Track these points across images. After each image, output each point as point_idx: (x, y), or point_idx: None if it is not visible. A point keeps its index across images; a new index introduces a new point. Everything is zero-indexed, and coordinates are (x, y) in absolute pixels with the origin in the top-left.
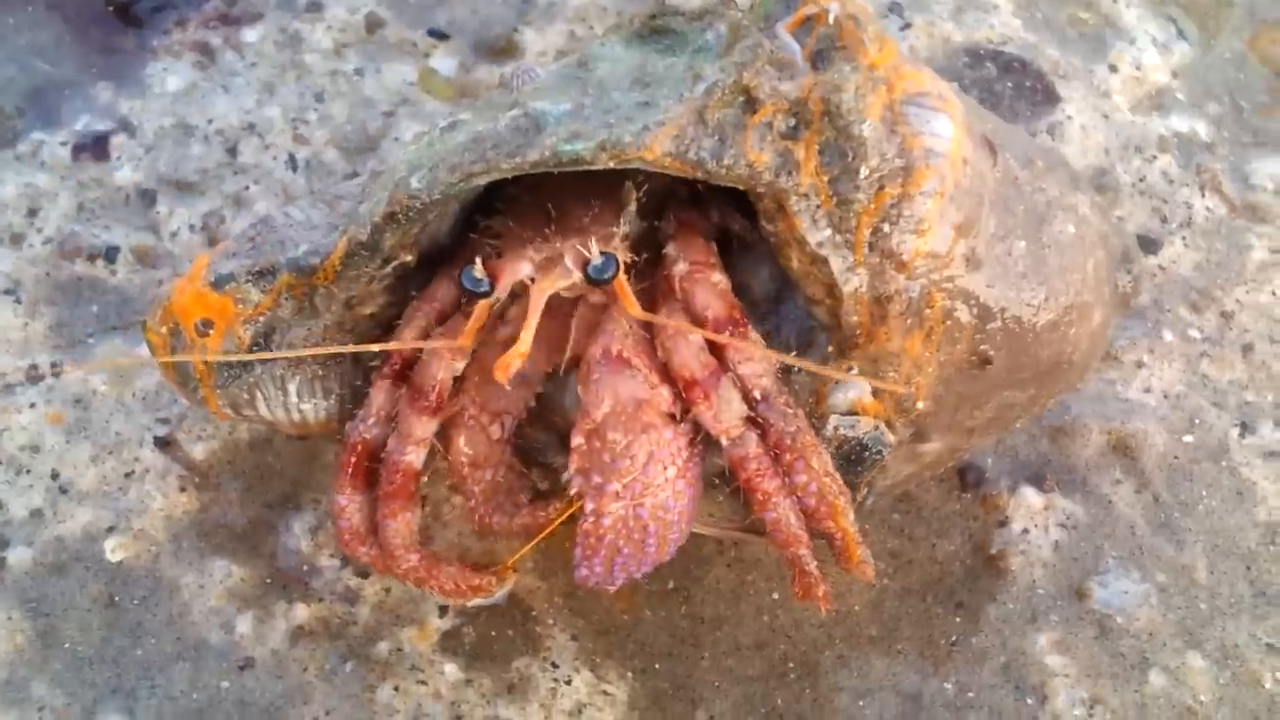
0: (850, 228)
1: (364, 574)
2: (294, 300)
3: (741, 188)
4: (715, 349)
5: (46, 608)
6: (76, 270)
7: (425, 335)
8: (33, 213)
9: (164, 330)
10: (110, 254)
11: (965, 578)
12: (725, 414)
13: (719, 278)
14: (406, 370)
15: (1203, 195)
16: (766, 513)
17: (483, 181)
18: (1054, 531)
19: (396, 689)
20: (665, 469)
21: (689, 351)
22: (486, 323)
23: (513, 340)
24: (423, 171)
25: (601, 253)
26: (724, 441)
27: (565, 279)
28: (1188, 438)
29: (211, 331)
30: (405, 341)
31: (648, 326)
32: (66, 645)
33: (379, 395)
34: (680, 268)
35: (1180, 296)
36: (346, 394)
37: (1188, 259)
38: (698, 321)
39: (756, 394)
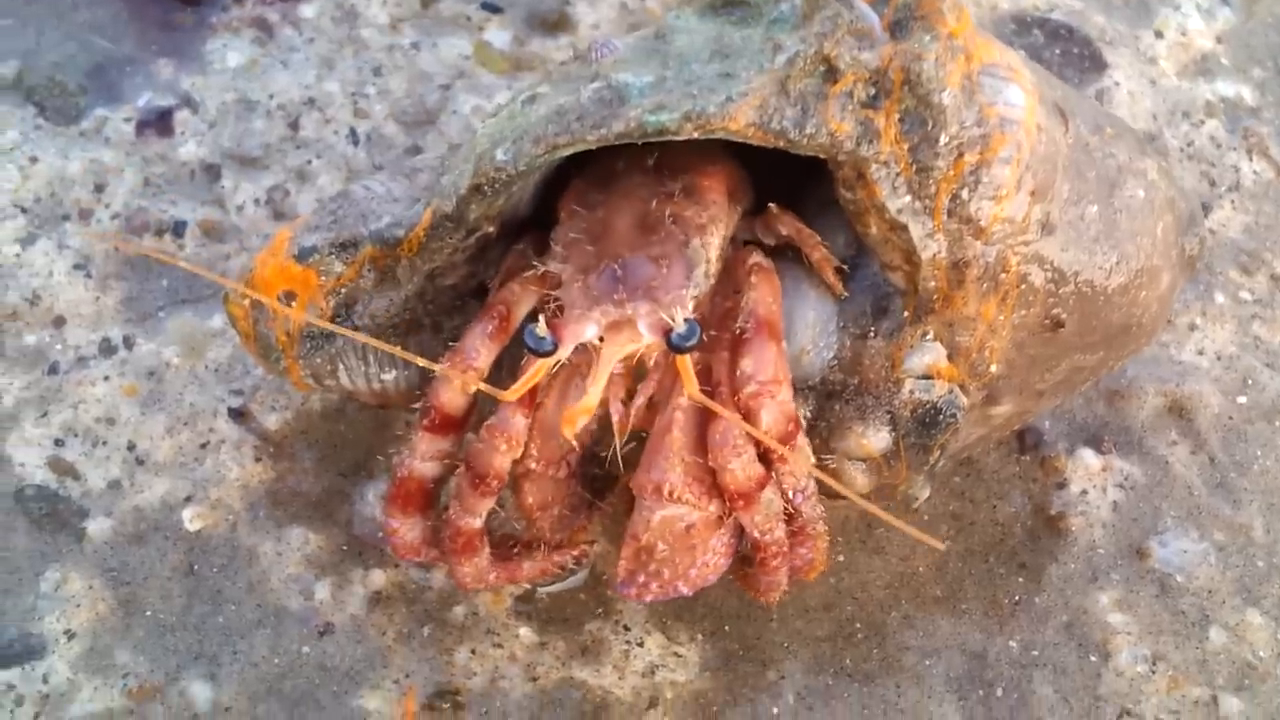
0: (930, 194)
1: None
2: (376, 272)
3: (822, 156)
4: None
5: (127, 576)
6: (145, 245)
7: (485, 350)
8: (99, 189)
9: (246, 303)
10: (178, 228)
11: (1026, 539)
12: (763, 517)
13: (784, 396)
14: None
15: (1250, 159)
16: (767, 575)
17: (566, 153)
18: (1112, 492)
19: (473, 652)
20: (707, 564)
21: (738, 464)
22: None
23: (568, 386)
24: (507, 144)
25: (685, 320)
26: (756, 534)
27: (635, 343)
28: (1241, 399)
29: (295, 303)
30: (451, 370)
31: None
32: (148, 613)
33: (422, 443)
34: (750, 389)
35: (1230, 259)
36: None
37: (1237, 222)
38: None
39: (793, 491)
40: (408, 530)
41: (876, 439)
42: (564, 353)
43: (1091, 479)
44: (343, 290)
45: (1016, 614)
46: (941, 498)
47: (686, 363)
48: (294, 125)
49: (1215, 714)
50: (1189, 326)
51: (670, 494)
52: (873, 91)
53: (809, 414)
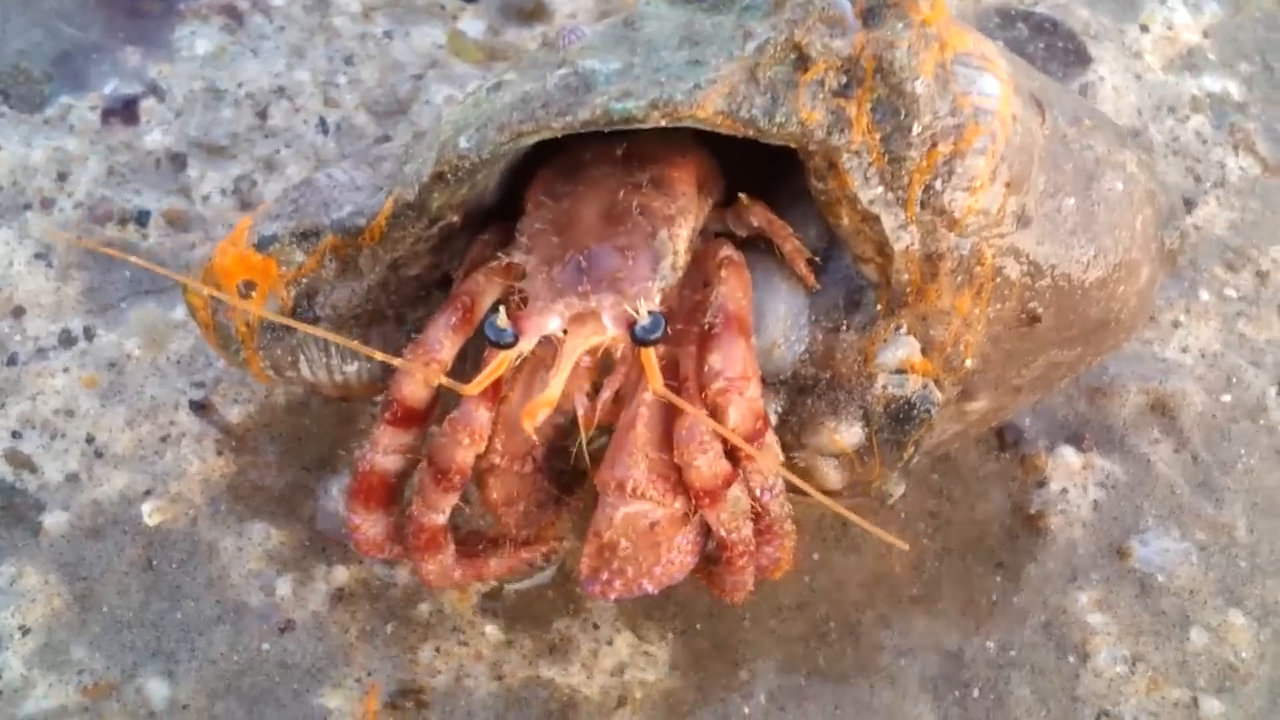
0: (902, 185)
1: None
2: (338, 261)
3: (793, 145)
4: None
5: (84, 571)
6: (108, 234)
7: (448, 342)
8: (62, 177)
9: (205, 292)
10: (142, 218)
11: (1005, 538)
12: (729, 515)
13: (753, 393)
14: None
15: (1236, 154)
16: (732, 574)
17: (531, 141)
18: (1093, 491)
19: (438, 650)
20: (673, 562)
21: (704, 461)
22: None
23: (532, 379)
24: (471, 131)
25: (650, 313)
26: (722, 533)
27: (599, 336)
28: (1225, 397)
29: (254, 293)
30: (413, 363)
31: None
32: (105, 609)
33: (384, 437)
34: (718, 385)
35: (1216, 256)
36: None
37: (1222, 218)
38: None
39: (760, 489)
40: (370, 526)
41: (849, 434)
42: (526, 345)
43: (1072, 477)
44: (304, 280)
45: (994, 614)
46: (919, 495)
47: (651, 356)
48: (262, 114)
49: (1195, 716)
50: (1173, 324)
51: (634, 491)
52: (844, 80)
53: (780, 408)
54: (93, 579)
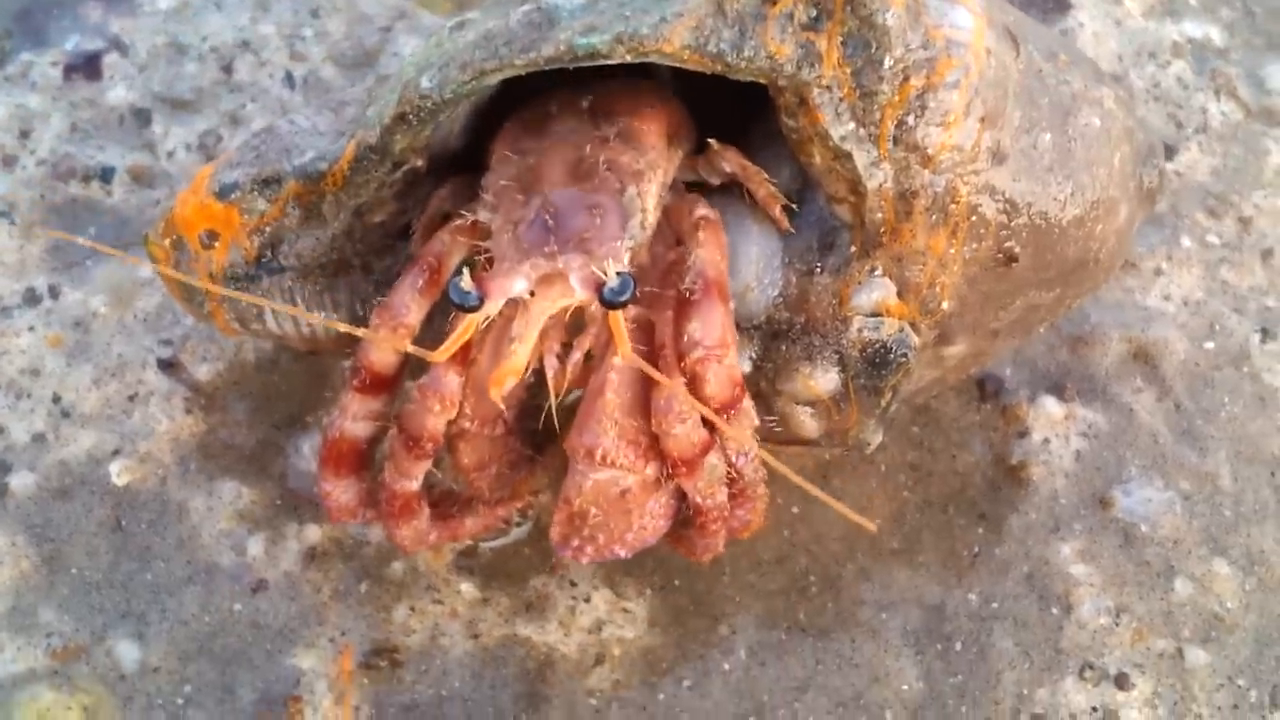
0: (874, 121)
1: None
2: (301, 209)
3: (762, 81)
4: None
5: (51, 533)
6: (72, 191)
7: (415, 306)
8: (25, 134)
9: (166, 243)
10: (106, 174)
11: (986, 489)
12: (705, 483)
13: (731, 360)
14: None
15: (1218, 100)
16: (705, 538)
17: (495, 80)
18: (1075, 441)
19: (412, 609)
20: (645, 527)
21: (682, 430)
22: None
23: (501, 341)
24: (432, 71)
25: (619, 274)
26: (698, 499)
27: (567, 298)
28: (1208, 344)
29: (217, 243)
30: (379, 333)
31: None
32: (74, 570)
33: (352, 404)
34: (697, 354)
35: (1198, 202)
36: (357, 305)
37: (1204, 164)
38: (698, 393)
39: (735, 454)
40: (342, 493)
41: (824, 380)
42: (492, 308)
43: (1054, 427)
44: (267, 229)
45: (976, 566)
46: (899, 447)
47: (619, 320)
48: (227, 69)
49: (1181, 666)
50: (1154, 271)
51: (603, 458)
52: (814, 13)
53: (754, 355)
54: (61, 540)
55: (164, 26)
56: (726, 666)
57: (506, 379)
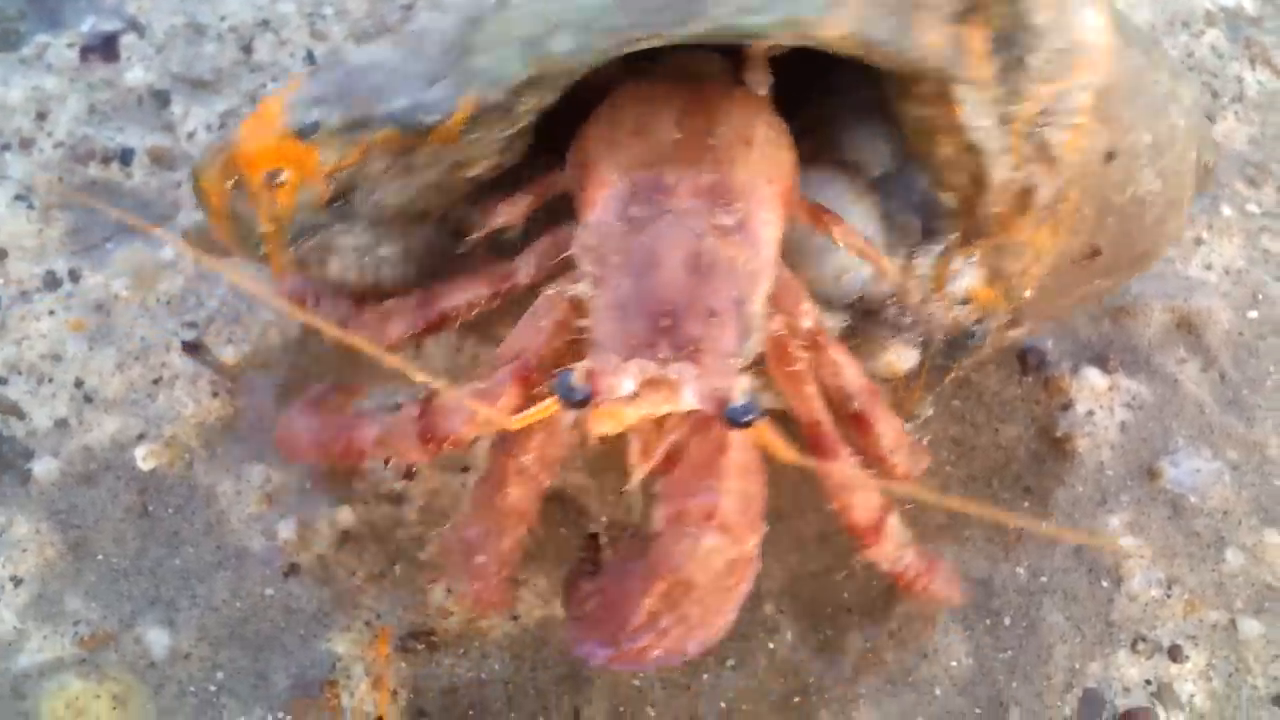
0: (1011, 119)
1: (409, 475)
2: (389, 156)
3: (908, 71)
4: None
5: (77, 519)
6: (91, 174)
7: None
8: (42, 116)
9: (227, 185)
10: (125, 156)
11: (1031, 462)
12: (893, 545)
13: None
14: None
15: (1253, 69)
16: (919, 597)
17: (639, 48)
18: (1120, 412)
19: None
20: (731, 613)
21: (862, 499)
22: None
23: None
24: (570, 32)
25: (744, 396)
26: (886, 567)
27: (672, 405)
28: (1252, 313)
29: (284, 183)
30: (477, 409)
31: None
32: (100, 557)
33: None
34: (887, 444)
35: (1237, 171)
36: (426, 256)
37: (1242, 133)
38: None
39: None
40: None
41: (905, 359)
42: (593, 407)
43: (1098, 399)
44: (343, 174)
45: (1023, 539)
46: (942, 422)
47: (765, 432)
48: (247, 49)
49: (1235, 637)
50: (1195, 241)
51: (721, 524)
52: (964, 6)
53: (840, 329)
54: (86, 527)
55: (181, 6)
56: (771, 646)
57: (609, 425)
